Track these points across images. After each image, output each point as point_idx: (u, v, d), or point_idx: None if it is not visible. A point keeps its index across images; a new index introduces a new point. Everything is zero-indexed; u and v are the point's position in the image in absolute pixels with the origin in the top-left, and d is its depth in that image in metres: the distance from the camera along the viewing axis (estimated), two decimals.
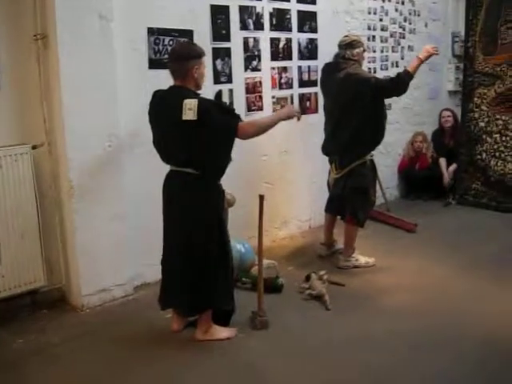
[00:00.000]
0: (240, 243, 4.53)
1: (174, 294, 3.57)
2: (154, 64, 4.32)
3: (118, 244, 4.19)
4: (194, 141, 3.29)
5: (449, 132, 7.26)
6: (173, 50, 3.54)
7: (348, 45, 4.68)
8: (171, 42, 4.40)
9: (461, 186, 6.94)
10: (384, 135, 4.82)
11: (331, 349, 3.49)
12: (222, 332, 3.63)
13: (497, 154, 6.61)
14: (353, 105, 4.54)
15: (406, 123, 7.23)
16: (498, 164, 6.60)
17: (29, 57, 3.91)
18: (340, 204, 4.89)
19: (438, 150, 7.22)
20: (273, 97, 5.35)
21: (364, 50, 4.81)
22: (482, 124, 6.73)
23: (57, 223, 4.16)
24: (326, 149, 4.93)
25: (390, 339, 3.57)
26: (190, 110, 3.20)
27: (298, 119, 3.75)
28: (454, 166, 7.03)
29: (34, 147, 3.96)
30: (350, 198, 4.77)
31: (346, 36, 4.79)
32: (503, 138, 6.56)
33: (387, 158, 6.94)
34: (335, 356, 3.40)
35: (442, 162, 7.07)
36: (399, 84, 4.54)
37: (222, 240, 3.52)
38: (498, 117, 6.59)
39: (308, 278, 4.40)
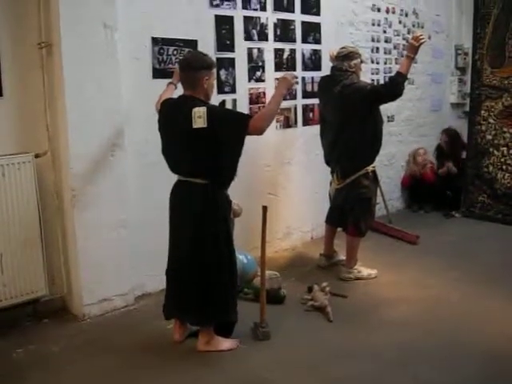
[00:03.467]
0: (242, 254, 4.50)
1: (180, 303, 3.56)
2: (158, 74, 4.33)
3: (120, 254, 4.17)
4: (204, 149, 3.29)
5: (449, 151, 7.27)
6: (184, 59, 3.57)
7: (345, 56, 4.65)
8: (175, 52, 4.42)
9: (467, 199, 6.90)
10: (382, 141, 4.80)
11: (333, 361, 3.46)
12: (224, 343, 3.61)
13: (504, 167, 6.58)
14: (352, 115, 4.52)
15: (408, 135, 7.24)
16: (505, 177, 6.56)
17: (33, 65, 3.90)
18: (341, 215, 4.88)
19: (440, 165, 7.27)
20: None
21: (361, 62, 4.78)
22: (489, 137, 6.70)
23: (59, 232, 4.14)
24: (328, 159, 4.93)
25: (392, 352, 3.54)
26: (199, 117, 3.22)
27: (297, 83, 3.70)
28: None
29: (36, 156, 3.94)
30: (352, 209, 4.75)
31: (344, 48, 4.75)
32: (510, 151, 6.53)
33: (390, 169, 6.95)
34: (337, 368, 3.38)
35: (442, 170, 7.13)
36: (393, 87, 4.47)
37: (228, 250, 3.52)
38: (505, 130, 6.57)
39: (310, 290, 4.39)
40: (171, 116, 3.46)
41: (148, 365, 3.42)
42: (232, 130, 3.31)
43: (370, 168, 4.75)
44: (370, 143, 4.69)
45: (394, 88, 4.47)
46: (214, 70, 3.50)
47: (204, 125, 3.22)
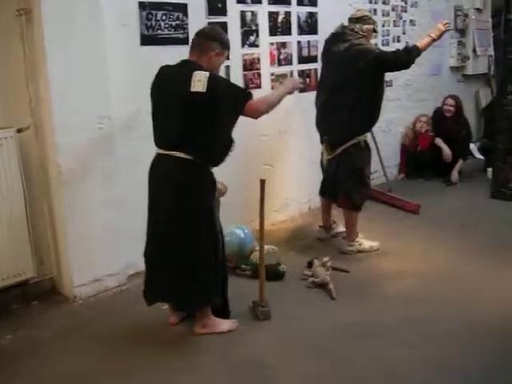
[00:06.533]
0: (239, 228, 4.39)
1: (160, 286, 3.36)
2: (146, 40, 4.10)
3: (111, 232, 4.01)
4: (196, 117, 3.11)
5: (450, 120, 6.97)
6: (202, 29, 3.48)
7: (359, 19, 4.50)
8: (164, 17, 4.18)
9: (498, 178, 6.19)
10: (379, 116, 4.64)
11: (338, 341, 3.34)
12: (222, 324, 3.46)
13: None
14: (352, 76, 4.32)
15: (407, 100, 7.06)
16: None
17: (12, 34, 3.67)
18: (334, 187, 4.72)
19: (437, 131, 6.98)
20: (272, 74, 5.14)
21: (374, 30, 4.63)
22: None
23: (46, 211, 3.96)
24: (318, 125, 4.74)
25: (399, 329, 3.43)
26: (199, 81, 3.06)
27: (303, 90, 3.60)
28: (459, 165, 6.82)
29: (19, 130, 3.74)
30: (343, 181, 4.58)
31: (359, 10, 4.64)
32: None
33: (388, 135, 6.79)
34: (343, 348, 3.25)
35: (439, 140, 6.86)
36: (405, 55, 4.34)
37: (211, 229, 3.29)
38: None
39: (310, 265, 4.23)
40: (167, 79, 3.28)
41: (142, 350, 3.27)
42: (230, 102, 3.16)
43: (361, 137, 4.55)
44: (366, 113, 4.48)
45: (405, 56, 4.34)
46: (227, 52, 3.40)
47: (203, 89, 3.05)
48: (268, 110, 3.34)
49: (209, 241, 3.28)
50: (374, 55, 4.32)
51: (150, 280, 3.43)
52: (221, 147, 3.22)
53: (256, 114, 3.27)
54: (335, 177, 4.65)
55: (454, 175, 6.76)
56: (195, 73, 3.09)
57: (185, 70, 3.18)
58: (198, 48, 3.28)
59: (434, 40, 4.45)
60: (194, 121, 3.12)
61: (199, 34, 3.35)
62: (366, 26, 4.49)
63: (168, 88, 3.23)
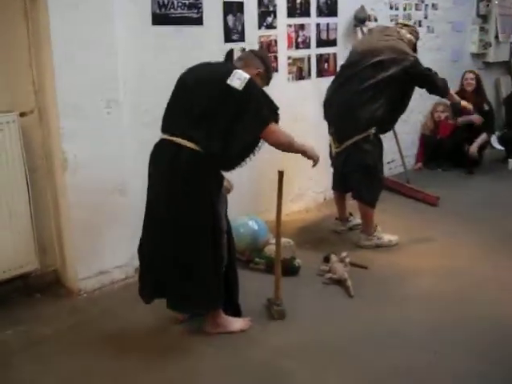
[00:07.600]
0: (252, 219, 4.20)
1: (158, 283, 3.15)
2: (158, 19, 3.91)
3: (118, 222, 3.82)
4: (221, 110, 2.95)
5: (471, 96, 6.73)
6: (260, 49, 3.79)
7: (408, 26, 4.63)
8: None
9: None
10: (394, 125, 4.64)
11: (356, 344, 3.15)
12: (234, 323, 3.26)
13: None
14: (378, 69, 4.19)
15: None
16: None
17: (15, 13, 3.48)
18: (344, 180, 4.56)
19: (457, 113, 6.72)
20: (289, 57, 4.96)
21: (415, 47, 4.56)
22: None
23: (49, 200, 3.81)
24: (326, 114, 4.55)
25: (420, 332, 3.25)
26: (238, 79, 2.97)
27: (314, 165, 3.50)
28: (482, 139, 6.63)
29: (22, 114, 3.58)
30: (352, 176, 4.42)
31: (409, 20, 5.01)
32: None
33: (407, 124, 6.51)
34: (361, 352, 3.07)
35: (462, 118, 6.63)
36: (440, 82, 4.49)
37: (212, 226, 3.06)
38: None
39: (327, 260, 4.03)
40: (204, 69, 3.16)
41: (148, 350, 3.10)
42: (256, 109, 3.01)
43: (371, 131, 4.32)
44: (386, 111, 4.30)
45: (441, 83, 4.49)
46: (267, 80, 3.30)
47: (239, 87, 2.95)
48: (284, 145, 3.19)
49: (209, 235, 3.05)
50: (412, 60, 4.27)
51: (145, 276, 3.24)
52: (235, 151, 3.01)
53: (272, 140, 3.08)
54: (343, 170, 4.50)
55: (474, 148, 6.55)
56: (237, 70, 3.02)
57: (227, 65, 3.27)
58: (243, 60, 3.27)
59: (459, 103, 4.81)
60: (217, 113, 2.95)
61: (251, 50, 3.54)
62: (409, 36, 4.49)
63: (202, 76, 3.09)
